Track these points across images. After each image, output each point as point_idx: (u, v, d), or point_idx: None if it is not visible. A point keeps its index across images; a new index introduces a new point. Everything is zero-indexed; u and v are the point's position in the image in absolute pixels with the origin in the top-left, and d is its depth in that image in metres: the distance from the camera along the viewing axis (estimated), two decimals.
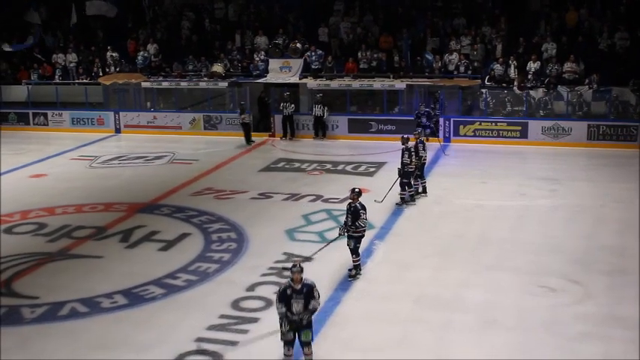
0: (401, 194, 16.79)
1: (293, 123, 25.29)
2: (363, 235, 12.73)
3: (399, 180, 16.69)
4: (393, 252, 14.03)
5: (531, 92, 23.93)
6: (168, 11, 31.40)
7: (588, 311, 11.18)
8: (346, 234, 12.63)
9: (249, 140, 24.78)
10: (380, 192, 16.67)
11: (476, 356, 9.95)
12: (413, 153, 16.60)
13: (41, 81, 29.52)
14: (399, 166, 16.66)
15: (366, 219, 12.53)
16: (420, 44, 26.66)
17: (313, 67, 26.46)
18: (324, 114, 24.69)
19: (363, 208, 12.54)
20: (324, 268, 12.98)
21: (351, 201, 12.60)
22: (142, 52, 28.82)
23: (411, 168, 16.64)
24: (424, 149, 17.40)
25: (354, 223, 12.47)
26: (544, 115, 23.86)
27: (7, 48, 30.16)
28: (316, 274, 12.67)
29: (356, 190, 12.66)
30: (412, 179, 16.85)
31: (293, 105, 25.16)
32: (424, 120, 23.03)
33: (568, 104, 23.58)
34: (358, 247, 12.64)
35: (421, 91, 24.95)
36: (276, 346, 10.17)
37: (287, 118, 25.12)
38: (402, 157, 16.57)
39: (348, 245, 12.67)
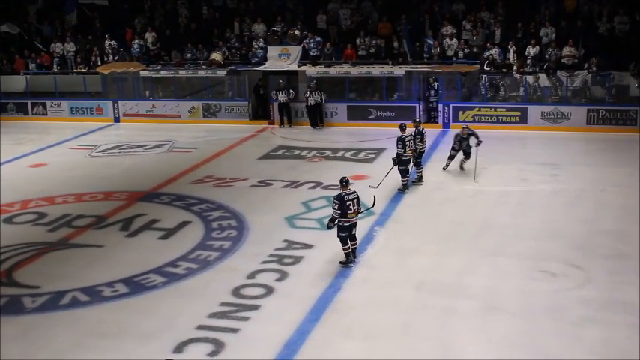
0: (403, 181, 16.75)
1: (290, 110, 25.26)
2: (345, 225, 12.40)
3: (396, 168, 16.63)
4: (393, 239, 13.98)
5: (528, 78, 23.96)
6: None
7: (590, 296, 11.17)
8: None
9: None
10: (379, 179, 16.64)
11: (479, 342, 9.94)
12: (408, 142, 16.46)
13: (40, 70, 29.44)
14: (394, 157, 16.59)
15: (337, 209, 12.28)
16: (419, 30, 26.59)
17: (312, 54, 26.37)
18: (322, 100, 24.63)
19: (336, 197, 12.38)
20: (324, 255, 13.00)
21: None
22: (137, 41, 28.76)
23: (406, 157, 16.54)
24: (422, 141, 17.29)
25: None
26: (537, 99, 23.90)
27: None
28: (316, 261, 12.79)
29: (342, 182, 12.58)
30: (411, 166, 16.82)
31: (292, 91, 25.12)
32: (465, 145, 17.82)
33: (567, 89, 23.57)
34: (342, 235, 12.44)
35: (420, 78, 24.87)
36: (277, 332, 10.24)
37: (283, 106, 25.12)
38: (397, 147, 16.49)
39: None
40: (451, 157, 18.05)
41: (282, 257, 13.05)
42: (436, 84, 24.42)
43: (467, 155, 17.94)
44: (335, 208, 12.34)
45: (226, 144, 22.84)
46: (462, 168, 18.10)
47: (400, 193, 16.59)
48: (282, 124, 25.27)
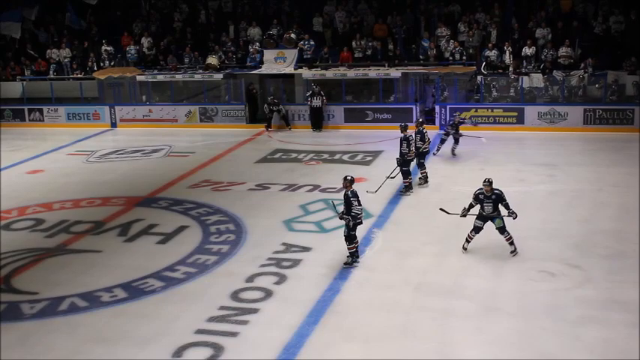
0: (404, 182, 16.75)
1: (287, 117, 25.31)
2: (358, 223, 12.58)
3: (398, 169, 16.65)
4: (392, 240, 13.98)
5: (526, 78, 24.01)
6: (163, 4, 31.29)
7: (589, 295, 11.17)
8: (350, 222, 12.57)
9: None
10: (376, 181, 16.65)
11: (478, 342, 9.93)
12: (412, 142, 16.55)
13: (36, 77, 29.42)
14: (398, 157, 16.61)
15: (359, 205, 12.41)
16: (414, 32, 26.62)
17: (305, 56, 26.39)
18: (323, 103, 24.62)
19: (355, 195, 12.45)
20: (323, 258, 12.99)
21: (345, 189, 12.59)
22: (133, 46, 28.76)
23: (410, 157, 16.60)
24: (422, 139, 17.31)
25: (348, 212, 12.44)
26: (531, 99, 23.95)
27: None
28: (315, 264, 12.77)
29: (348, 177, 12.61)
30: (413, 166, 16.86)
31: (282, 108, 25.18)
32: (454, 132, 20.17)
33: (563, 89, 23.61)
34: (352, 234, 12.54)
35: (417, 80, 24.89)
36: (277, 335, 10.22)
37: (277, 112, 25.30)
38: (401, 146, 16.50)
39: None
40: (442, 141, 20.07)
41: (280, 260, 13.03)
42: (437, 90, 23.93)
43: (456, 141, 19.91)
44: (355, 204, 12.37)
45: (223, 148, 22.85)
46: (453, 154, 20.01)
47: (402, 194, 16.59)
48: (269, 127, 25.28)
